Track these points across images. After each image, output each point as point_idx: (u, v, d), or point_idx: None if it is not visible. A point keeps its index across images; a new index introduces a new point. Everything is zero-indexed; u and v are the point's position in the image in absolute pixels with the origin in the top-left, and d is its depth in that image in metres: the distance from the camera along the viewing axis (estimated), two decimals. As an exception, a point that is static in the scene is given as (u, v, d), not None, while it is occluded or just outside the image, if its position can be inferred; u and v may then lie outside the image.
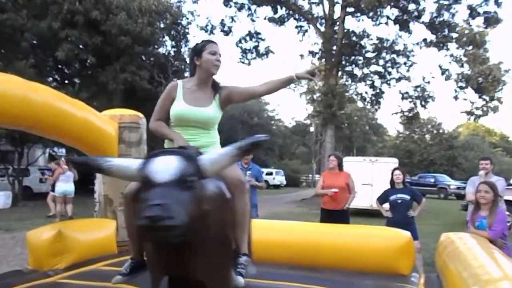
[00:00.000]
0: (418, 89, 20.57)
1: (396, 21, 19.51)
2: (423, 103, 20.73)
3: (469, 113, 19.90)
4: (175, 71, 18.58)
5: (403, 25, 19.54)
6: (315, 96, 32.73)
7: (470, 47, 18.06)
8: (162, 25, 17.29)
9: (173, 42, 19.06)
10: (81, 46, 14.93)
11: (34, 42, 14.74)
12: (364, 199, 12.35)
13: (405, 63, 20.59)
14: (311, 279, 3.46)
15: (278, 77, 2.65)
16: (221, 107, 2.56)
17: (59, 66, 17.25)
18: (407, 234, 3.87)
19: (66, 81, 17.57)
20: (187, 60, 19.26)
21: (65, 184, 10.12)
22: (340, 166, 5.82)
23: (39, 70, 14.65)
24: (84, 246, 3.97)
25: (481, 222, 3.99)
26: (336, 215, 5.42)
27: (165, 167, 1.72)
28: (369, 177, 13.01)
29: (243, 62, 21.76)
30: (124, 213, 2.36)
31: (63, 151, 20.36)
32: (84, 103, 4.34)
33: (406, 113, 21.74)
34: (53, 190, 10.58)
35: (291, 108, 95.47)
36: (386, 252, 3.72)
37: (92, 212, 5.05)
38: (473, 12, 18.28)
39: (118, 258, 4.13)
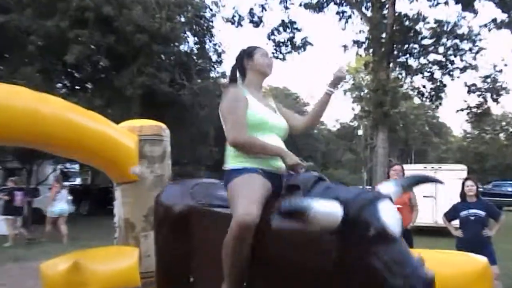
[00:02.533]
0: (488, 79, 20.01)
1: (457, 0, 19.09)
2: (494, 96, 20.14)
3: (553, 106, 19.22)
4: (199, 71, 18.73)
5: (467, 4, 19.05)
6: (362, 93, 32.45)
7: (553, 27, 17.48)
8: (182, 19, 17.50)
9: (196, 38, 19.24)
10: (92, 47, 15.26)
11: (41, 44, 15.18)
12: (427, 214, 12.07)
13: (470, 50, 20.03)
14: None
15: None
16: None
17: (69, 70, 17.72)
18: (483, 259, 3.76)
19: (77, 87, 18.01)
20: (213, 58, 19.44)
21: (61, 203, 11.14)
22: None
23: (48, 76, 15.10)
24: (104, 278, 4.06)
25: None
26: None
27: (396, 219, 1.85)
28: (432, 189, 12.72)
29: (276, 57, 21.67)
30: (232, 243, 2.21)
31: (76, 167, 20.88)
32: (99, 115, 4.45)
33: (474, 109, 21.17)
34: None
35: (335, 109, 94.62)
36: (459, 281, 3.61)
37: (110, 237, 5.14)
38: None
39: (142, 292, 4.21)
